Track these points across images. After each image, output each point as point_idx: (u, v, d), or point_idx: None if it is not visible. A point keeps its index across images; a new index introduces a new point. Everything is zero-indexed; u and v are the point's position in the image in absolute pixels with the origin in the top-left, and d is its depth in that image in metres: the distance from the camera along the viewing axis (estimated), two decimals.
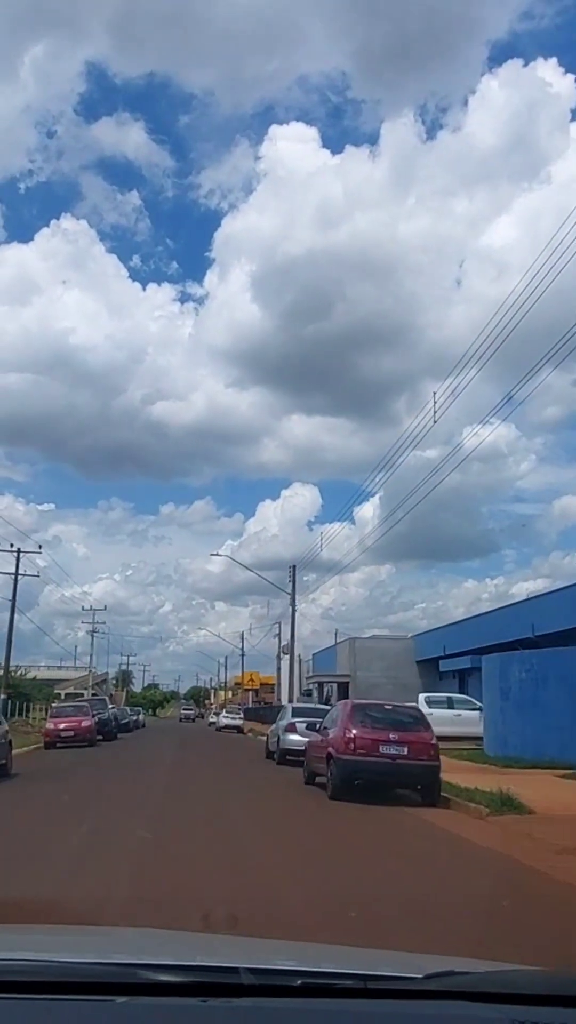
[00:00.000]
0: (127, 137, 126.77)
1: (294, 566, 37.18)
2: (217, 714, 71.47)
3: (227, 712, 56.38)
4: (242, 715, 56.75)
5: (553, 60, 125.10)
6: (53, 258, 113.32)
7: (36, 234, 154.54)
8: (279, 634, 79.86)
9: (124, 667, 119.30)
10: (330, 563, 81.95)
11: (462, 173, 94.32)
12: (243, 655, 78.42)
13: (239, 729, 53.49)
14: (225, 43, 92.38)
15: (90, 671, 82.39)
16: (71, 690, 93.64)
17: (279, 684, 79.25)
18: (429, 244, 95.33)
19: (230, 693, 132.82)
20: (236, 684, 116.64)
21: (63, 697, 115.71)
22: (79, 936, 2.81)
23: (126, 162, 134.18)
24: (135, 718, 53.32)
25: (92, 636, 79.87)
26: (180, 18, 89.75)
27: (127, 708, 53.48)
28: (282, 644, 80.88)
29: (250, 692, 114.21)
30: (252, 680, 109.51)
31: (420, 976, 1.75)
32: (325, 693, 46.41)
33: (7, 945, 2.16)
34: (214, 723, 63.27)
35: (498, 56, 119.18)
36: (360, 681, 42.02)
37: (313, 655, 57.32)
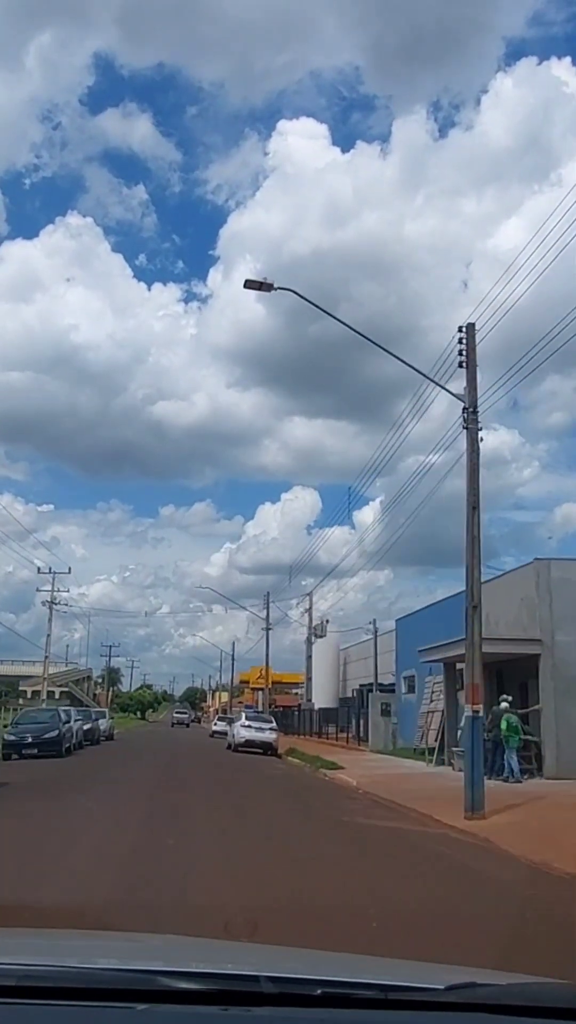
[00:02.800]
0: (134, 129, 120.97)
1: (466, 336, 13.48)
2: (226, 720, 48.68)
3: (250, 719, 32.11)
4: (274, 724, 32.72)
5: (567, 59, 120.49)
6: (58, 255, 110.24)
7: (41, 230, 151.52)
8: (310, 608, 56.51)
9: (104, 657, 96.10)
10: (328, 567, 78.70)
11: (473, 173, 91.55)
12: (268, 627, 54.35)
13: (270, 748, 29.85)
14: (236, 35, 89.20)
15: (45, 658, 58.69)
16: (39, 687, 79.59)
17: (310, 679, 55.83)
18: (437, 244, 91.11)
19: (226, 695, 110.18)
20: (242, 682, 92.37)
21: (29, 696, 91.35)
22: (100, 942, 2.67)
23: (132, 155, 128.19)
24: (88, 726, 29.70)
25: (50, 609, 56.37)
26: (190, 8, 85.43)
27: (69, 710, 29.32)
28: (314, 624, 57.57)
29: (258, 692, 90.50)
30: (262, 677, 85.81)
31: (441, 987, 1.67)
32: (456, 687, 22.53)
33: (27, 950, 2.09)
34: (222, 734, 41.40)
35: (513, 52, 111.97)
36: (563, 651, 18.53)
37: (398, 622, 33.75)
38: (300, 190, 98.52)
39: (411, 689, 30.11)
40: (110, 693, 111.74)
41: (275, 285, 14.49)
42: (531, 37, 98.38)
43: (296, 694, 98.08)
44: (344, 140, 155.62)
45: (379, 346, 14.94)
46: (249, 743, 29.48)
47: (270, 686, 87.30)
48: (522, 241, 77.97)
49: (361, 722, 36.35)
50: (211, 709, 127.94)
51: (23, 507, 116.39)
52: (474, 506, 12.69)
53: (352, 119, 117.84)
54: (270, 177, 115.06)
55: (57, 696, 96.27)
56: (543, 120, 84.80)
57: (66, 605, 58.40)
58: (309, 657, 54.38)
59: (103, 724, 34.79)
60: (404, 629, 32.29)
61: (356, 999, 1.64)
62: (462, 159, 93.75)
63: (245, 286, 14.87)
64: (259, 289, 14.71)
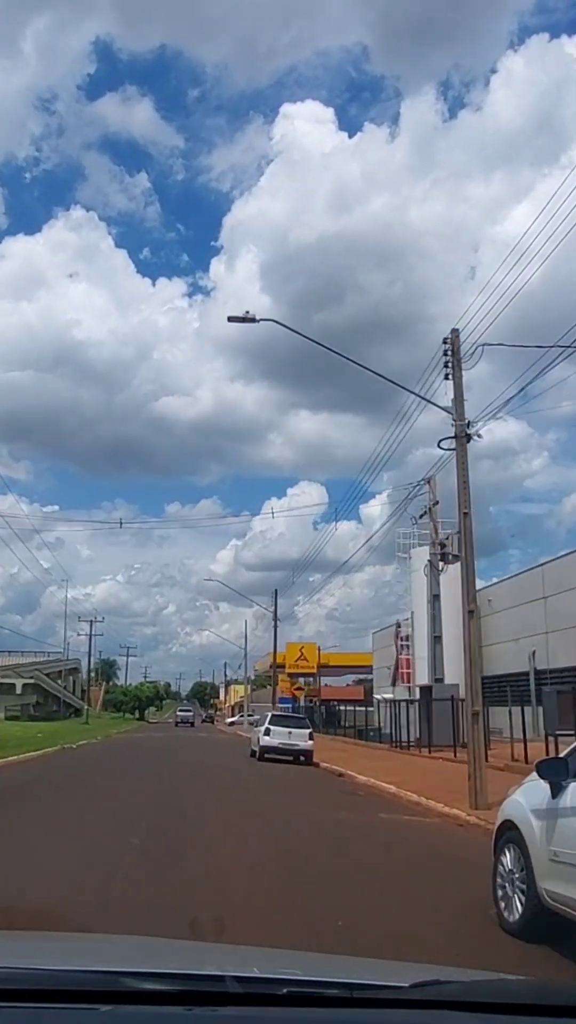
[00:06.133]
0: (134, 115, 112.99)
1: None
2: (289, 722, 23.62)
3: None
4: None
5: None
6: (60, 250, 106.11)
7: (42, 224, 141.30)
8: (431, 507, 29.52)
9: (121, 655, 70.95)
10: (336, 563, 63.25)
11: (482, 155, 78.37)
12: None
13: None
14: (239, 13, 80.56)
15: None
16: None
17: (438, 639, 29.06)
18: (444, 229, 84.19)
19: (243, 688, 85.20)
20: (276, 666, 65.50)
21: None
22: (64, 943, 2.64)
23: (133, 142, 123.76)
24: None
25: None
26: None
27: None
28: (440, 538, 30.54)
29: (299, 679, 63.92)
30: (305, 659, 59.16)
31: (406, 985, 1.65)
32: None
33: None
34: (283, 755, 23.01)
35: (525, 28, 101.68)
36: None
37: None
38: (306, 176, 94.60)
39: None
40: (93, 687, 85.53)
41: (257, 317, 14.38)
42: (542, 12, 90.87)
43: (360, 683, 71.11)
44: (351, 123, 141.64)
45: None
46: None
47: (315, 670, 60.49)
48: (532, 226, 63.69)
49: None
50: (225, 706, 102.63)
51: (27, 507, 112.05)
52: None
53: (359, 101, 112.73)
54: (275, 162, 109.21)
55: (19, 691, 70.02)
56: (555, 100, 79.15)
57: None
58: (436, 597, 27.95)
59: None
60: None
61: (322, 998, 1.61)
62: (471, 141, 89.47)
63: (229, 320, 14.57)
64: (242, 321, 14.42)
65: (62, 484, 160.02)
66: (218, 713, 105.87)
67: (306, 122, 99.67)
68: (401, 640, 41.28)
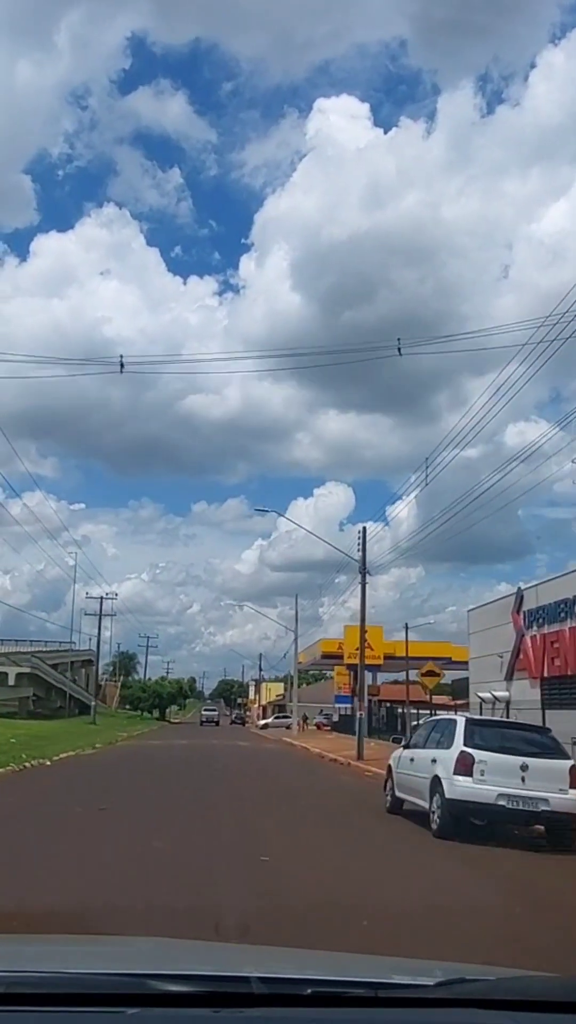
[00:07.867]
0: (167, 110, 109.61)
1: None
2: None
3: None
4: None
5: None
6: (93, 247, 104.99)
7: (75, 220, 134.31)
8: None
9: (141, 646, 59.31)
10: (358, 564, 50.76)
11: (519, 151, 74.12)
12: None
13: None
14: (275, 4, 73.87)
15: None
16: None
17: None
18: (478, 227, 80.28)
19: (280, 687, 73.65)
20: (325, 657, 52.24)
21: None
22: (88, 946, 2.61)
23: (167, 137, 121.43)
24: None
25: None
26: None
27: None
28: None
29: (353, 671, 50.45)
30: (368, 646, 45.54)
31: (431, 984, 1.65)
32: None
33: (16, 956, 2.02)
34: (504, 818, 9.15)
35: (566, 22, 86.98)
36: None
37: None
38: (339, 172, 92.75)
39: None
40: (109, 683, 73.66)
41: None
42: None
43: (395, 683, 57.79)
44: (386, 118, 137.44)
45: None
46: None
47: (381, 661, 47.56)
48: (570, 225, 70.50)
49: None
50: (256, 706, 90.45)
51: (55, 504, 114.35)
52: None
53: (395, 96, 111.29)
54: (308, 157, 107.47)
55: (12, 681, 57.95)
56: None
57: None
58: None
59: None
60: None
61: (347, 998, 1.60)
62: (508, 137, 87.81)
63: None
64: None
65: (89, 482, 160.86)
66: (247, 713, 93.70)
67: (341, 117, 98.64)
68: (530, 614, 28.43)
